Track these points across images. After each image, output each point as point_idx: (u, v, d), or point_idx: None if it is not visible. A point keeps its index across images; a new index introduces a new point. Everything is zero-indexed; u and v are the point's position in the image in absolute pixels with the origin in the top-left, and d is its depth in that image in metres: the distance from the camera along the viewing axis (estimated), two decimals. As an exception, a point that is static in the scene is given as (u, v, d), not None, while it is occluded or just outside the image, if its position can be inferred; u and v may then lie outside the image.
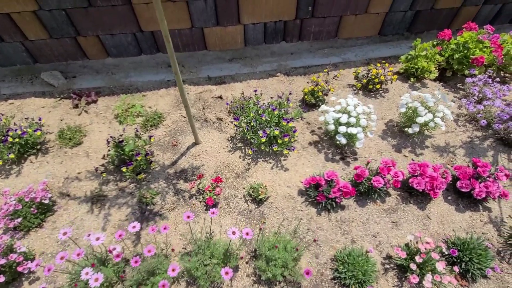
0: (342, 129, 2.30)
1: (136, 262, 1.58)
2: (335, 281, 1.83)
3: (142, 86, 3.30)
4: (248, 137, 2.42)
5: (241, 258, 1.72)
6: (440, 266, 1.67)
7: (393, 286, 1.81)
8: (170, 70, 3.47)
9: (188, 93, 3.21)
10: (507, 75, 3.20)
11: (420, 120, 2.34)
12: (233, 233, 1.61)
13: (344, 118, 2.30)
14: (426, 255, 1.72)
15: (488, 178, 2.08)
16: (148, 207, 2.21)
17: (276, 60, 3.61)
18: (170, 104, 3.08)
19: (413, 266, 1.73)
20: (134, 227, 1.66)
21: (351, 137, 2.36)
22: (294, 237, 1.98)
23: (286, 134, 2.32)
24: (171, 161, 2.54)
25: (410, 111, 2.48)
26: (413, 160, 2.46)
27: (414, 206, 2.19)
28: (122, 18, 2.94)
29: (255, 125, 2.42)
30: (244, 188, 2.29)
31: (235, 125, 2.61)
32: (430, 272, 1.68)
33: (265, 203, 2.23)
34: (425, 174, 2.10)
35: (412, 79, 3.18)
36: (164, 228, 1.67)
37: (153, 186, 2.34)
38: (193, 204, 2.22)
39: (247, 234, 1.64)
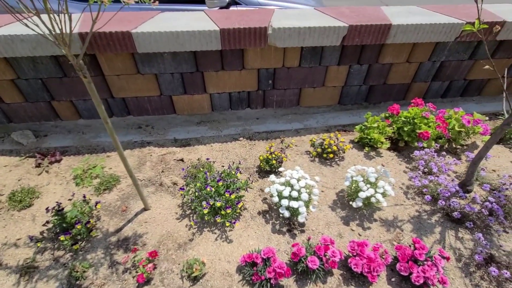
0: (285, 202, 2.32)
1: None
2: None
3: (109, 146, 3.42)
4: (192, 208, 2.42)
5: None
6: None
7: None
8: (139, 131, 3.64)
9: (151, 155, 3.31)
10: (458, 147, 3.34)
11: (362, 195, 2.38)
12: (142, 324, 1.52)
13: (286, 192, 2.34)
14: None
15: (426, 262, 2.02)
16: (77, 282, 2.10)
17: (242, 125, 3.80)
18: (132, 165, 3.15)
19: None
20: (41, 312, 1.57)
21: (294, 211, 2.37)
22: None
23: (229, 206, 2.33)
24: (116, 227, 2.50)
25: (354, 185, 2.53)
26: (359, 235, 2.42)
27: (356, 289, 2.09)
28: (95, 86, 3.19)
29: (200, 196, 2.44)
30: (181, 264, 2.22)
31: (181, 195, 2.64)
32: None
33: (200, 280, 2.13)
34: (363, 254, 2.05)
35: (367, 148, 3.31)
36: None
37: (90, 256, 2.27)
38: (125, 280, 2.12)
39: (157, 325, 1.54)
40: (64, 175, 3.05)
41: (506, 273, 1.97)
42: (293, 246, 2.11)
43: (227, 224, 2.32)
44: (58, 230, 2.34)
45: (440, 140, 3.24)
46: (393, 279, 2.14)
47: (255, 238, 2.42)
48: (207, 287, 2.09)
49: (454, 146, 3.34)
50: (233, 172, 2.61)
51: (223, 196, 2.37)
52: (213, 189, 2.40)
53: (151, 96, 3.41)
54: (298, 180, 2.42)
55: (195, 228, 2.49)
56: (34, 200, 2.74)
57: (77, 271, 2.11)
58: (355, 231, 2.47)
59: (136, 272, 2.11)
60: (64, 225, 2.30)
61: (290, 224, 2.52)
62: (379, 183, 2.41)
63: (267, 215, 2.61)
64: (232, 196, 2.34)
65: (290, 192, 2.35)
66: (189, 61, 3.13)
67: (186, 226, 2.51)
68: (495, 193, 2.49)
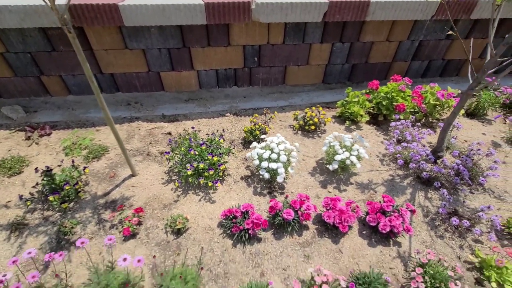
0: (264, 164, 2.45)
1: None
2: (235, 316, 1.80)
3: (98, 121, 3.51)
4: (177, 170, 2.54)
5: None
6: (330, 298, 1.67)
7: (291, 322, 1.78)
8: (128, 107, 3.73)
9: (139, 129, 3.41)
10: (433, 121, 3.51)
11: (338, 157, 2.52)
12: (124, 260, 1.64)
13: (266, 154, 2.47)
14: (318, 287, 1.73)
15: (392, 213, 2.18)
16: (66, 237, 2.21)
17: (229, 102, 3.92)
18: (121, 138, 3.24)
19: (307, 299, 1.73)
20: (29, 253, 1.68)
21: (273, 172, 2.50)
22: (200, 268, 1.98)
23: (211, 168, 2.45)
24: (104, 191, 2.61)
25: (331, 150, 2.68)
26: (335, 196, 2.57)
27: (329, 240, 2.24)
28: (82, 61, 3.27)
29: (184, 160, 2.56)
30: (166, 219, 2.34)
31: (167, 159, 2.75)
32: (321, 305, 1.68)
33: (184, 234, 2.26)
34: (336, 208, 2.20)
35: (347, 122, 3.46)
36: (60, 255, 1.69)
37: (78, 215, 2.37)
38: (112, 235, 2.23)
39: (138, 261, 1.66)
40: (53, 147, 3.13)
41: (466, 222, 2.14)
42: (270, 201, 2.24)
43: (210, 184, 2.44)
44: (47, 192, 2.44)
45: (417, 114, 3.40)
46: (364, 232, 2.30)
47: (237, 199, 2.55)
48: (190, 239, 2.22)
49: (430, 120, 3.51)
50: (217, 139, 2.73)
51: (206, 159, 2.50)
52: (196, 152, 2.51)
53: (139, 72, 3.50)
54: (278, 144, 2.55)
55: (180, 191, 2.61)
56: (24, 168, 2.82)
57: (65, 227, 2.21)
58: (332, 192, 2.62)
59: (122, 226, 2.23)
60: (53, 186, 2.39)
61: (270, 187, 2.65)
62: (354, 147, 2.56)
63: (249, 180, 2.75)
64: (215, 159, 2.46)
65: (270, 155, 2.48)
66: (175, 37, 3.22)
67: (172, 189, 2.63)
68: (463, 157, 2.66)
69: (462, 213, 2.36)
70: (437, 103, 3.28)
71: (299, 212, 2.21)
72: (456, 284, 1.74)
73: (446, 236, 2.26)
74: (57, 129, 3.37)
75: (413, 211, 2.24)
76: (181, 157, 2.59)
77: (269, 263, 2.09)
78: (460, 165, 2.55)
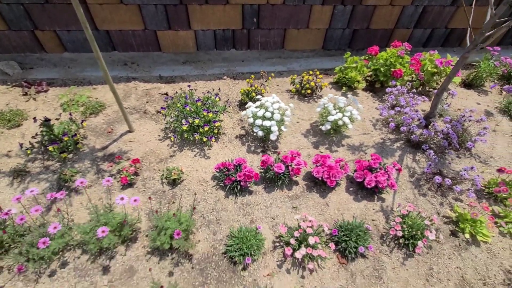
0: (258, 122, 2.50)
1: (21, 219, 1.68)
2: (225, 255, 1.94)
3: (95, 80, 3.50)
4: (173, 126, 2.59)
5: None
6: (313, 240, 1.81)
7: (276, 261, 1.93)
8: (125, 67, 3.70)
9: (136, 89, 3.41)
10: (430, 89, 3.51)
11: (331, 118, 2.57)
12: (122, 199, 1.74)
13: (260, 113, 2.52)
14: (303, 230, 1.87)
15: (379, 170, 2.27)
16: (66, 184, 2.32)
17: (226, 66, 3.88)
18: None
19: (292, 241, 1.86)
20: (31, 191, 1.78)
21: (267, 130, 2.56)
22: (193, 213, 2.11)
23: (206, 124, 2.51)
24: (102, 145, 2.68)
25: (325, 111, 2.72)
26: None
27: (317, 194, 2.35)
28: (77, 16, 3.19)
29: (180, 116, 2.60)
30: (162, 171, 2.44)
31: (163, 114, 2.80)
32: (304, 245, 1.82)
33: (179, 185, 2.37)
34: (325, 164, 2.28)
35: (344, 88, 3.46)
36: (61, 194, 1.79)
37: (77, 165, 2.47)
38: (111, 183, 2.34)
39: (134, 201, 1.77)
40: (51, 103, 3.16)
41: (448, 181, 2.24)
42: (262, 156, 2.33)
43: (204, 139, 2.51)
44: (46, 142, 2.51)
45: (414, 82, 3.40)
46: (351, 188, 2.41)
47: (230, 156, 2.64)
48: (185, 189, 2.33)
49: (427, 89, 3.51)
50: (212, 97, 2.76)
51: (202, 115, 2.54)
52: (192, 109, 2.55)
53: (135, 30, 3.42)
54: (273, 103, 2.59)
55: (175, 146, 2.69)
56: (23, 121, 2.87)
57: (65, 175, 2.31)
58: (323, 153, 2.70)
59: (120, 176, 2.33)
60: (52, 136, 2.46)
61: (264, 146, 2.73)
62: (347, 108, 2.60)
63: (243, 139, 2.82)
64: (210, 115, 2.51)
65: (264, 113, 2.52)
66: (172, -9, 3.12)
67: (168, 145, 2.71)
68: (453, 123, 2.71)
69: (446, 174, 2.46)
70: (435, 70, 3.27)
71: (290, 168, 2.30)
72: (431, 232, 1.88)
73: (428, 194, 2.37)
74: (54, 86, 3.37)
75: (399, 170, 2.33)
76: (177, 113, 2.63)
77: (259, 212, 2.22)
78: (450, 129, 2.61)
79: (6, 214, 1.72)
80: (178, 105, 2.61)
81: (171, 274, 1.85)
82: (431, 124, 2.72)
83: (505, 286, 1.83)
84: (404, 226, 1.96)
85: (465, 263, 1.95)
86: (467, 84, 3.68)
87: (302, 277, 1.86)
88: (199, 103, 2.56)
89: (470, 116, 2.78)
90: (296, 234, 1.86)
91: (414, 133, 2.63)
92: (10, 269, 1.81)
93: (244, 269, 1.88)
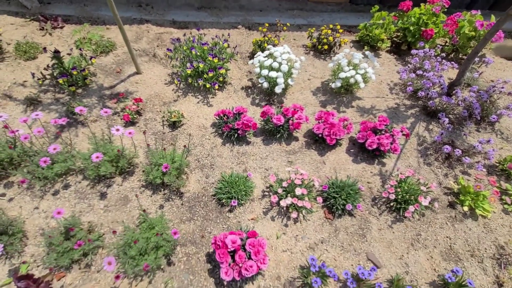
0: (264, 72, 2.39)
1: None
2: (214, 197, 2.01)
3: (109, 20, 3.45)
4: (177, 70, 2.55)
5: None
6: (300, 191, 1.80)
7: (263, 208, 1.96)
8: (139, 9, 3.60)
9: (148, 32, 3.34)
10: (463, 57, 3.14)
11: (342, 75, 2.40)
12: (117, 130, 1.79)
13: (268, 62, 2.39)
14: (291, 181, 1.86)
15: (384, 132, 2.15)
16: (74, 116, 2.42)
17: (243, 15, 3.66)
18: (129, 39, 3.21)
19: (280, 190, 1.87)
20: (37, 115, 1.87)
21: (273, 82, 2.45)
22: (187, 155, 2.16)
23: (211, 70, 2.44)
24: (110, 84, 2.72)
25: (337, 67, 2.53)
26: (332, 116, 2.54)
27: (315, 152, 2.30)
28: None
29: (185, 60, 2.54)
30: (163, 113, 2.46)
31: (169, 57, 2.74)
32: (290, 195, 1.82)
33: (179, 128, 2.39)
34: (327, 121, 2.19)
35: (366, 47, 3.18)
36: (62, 120, 1.87)
37: (85, 100, 2.54)
38: (114, 120, 2.41)
39: (129, 133, 1.82)
40: (66, 39, 3.19)
41: (458, 151, 2.09)
42: (264, 107, 2.26)
43: (208, 86, 2.47)
44: (57, 75, 2.58)
45: (446, 47, 3.05)
46: (352, 150, 2.33)
47: (233, 106, 2.60)
48: (184, 133, 2.36)
49: (460, 56, 3.15)
50: (221, 43, 2.65)
51: (207, 60, 2.46)
52: (198, 52, 2.47)
53: (150, -33, 3.25)
54: (282, 54, 2.44)
55: (180, 92, 2.67)
56: (38, 54, 2.95)
57: (73, 107, 2.40)
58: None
59: (123, 113, 2.39)
60: (62, 69, 2.52)
61: (269, 100, 2.65)
62: (362, 65, 2.40)
63: (249, 90, 2.74)
64: (215, 60, 2.43)
65: (271, 63, 2.40)
66: None
67: (173, 90, 2.70)
68: (480, 92, 2.44)
69: (458, 146, 2.29)
70: (473, 34, 2.88)
71: (290, 121, 2.23)
72: (425, 198, 1.80)
73: (434, 164, 2.24)
74: (69, 23, 3.37)
75: (406, 135, 2.19)
76: (183, 56, 2.56)
77: (254, 162, 2.22)
78: (474, 98, 2.36)
79: (13, 132, 1.84)
80: (184, 48, 2.54)
81: (161, 207, 1.95)
82: (454, 91, 2.47)
83: (493, 260, 1.77)
84: (399, 190, 1.88)
85: (456, 234, 1.88)
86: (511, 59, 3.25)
87: (286, 225, 1.89)
88: (205, 47, 2.46)
89: (502, 88, 2.48)
90: (285, 184, 1.86)
91: (432, 99, 2.41)
92: (19, 184, 1.99)
93: (230, 211, 1.94)
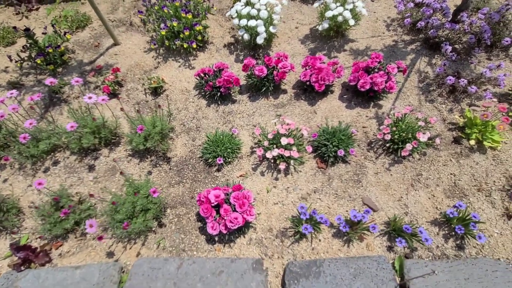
0: (243, 22, 2.20)
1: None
2: (202, 158, 1.95)
3: (83, -6, 3.28)
4: (153, 34, 2.40)
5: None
6: (286, 141, 1.69)
7: (252, 164, 1.89)
8: (112, -21, 3.38)
9: (124, 0, 3.16)
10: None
11: (329, 14, 2.16)
12: (89, 97, 1.73)
13: (245, 10, 2.19)
14: (276, 132, 1.75)
15: (378, 70, 1.95)
16: (57, 95, 2.38)
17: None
18: (105, 11, 3.07)
19: (266, 143, 1.78)
20: (11, 93, 1.83)
21: (255, 33, 2.26)
22: (170, 120, 2.09)
23: (187, 28, 2.27)
24: (90, 59, 2.63)
25: (324, 8, 2.28)
26: (323, 62, 2.34)
27: (305, 102, 2.15)
28: None
29: (159, 21, 2.38)
30: (143, 80, 2.37)
31: (142, 20, 2.59)
32: (276, 147, 1.72)
33: (161, 95, 2.30)
34: (314, 66, 2.01)
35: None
36: (37, 96, 1.83)
37: (66, 78, 2.48)
38: (96, 94, 2.35)
39: (102, 100, 1.75)
40: (42, 20, 3.08)
41: (463, 81, 1.87)
42: (245, 59, 2.10)
43: (185, 46, 2.32)
44: (35, 56, 2.52)
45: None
46: (345, 96, 2.16)
47: (217, 65, 2.46)
48: (167, 99, 2.28)
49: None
50: (195, -3, 2.44)
51: (182, 19, 2.29)
52: (170, 10, 2.30)
53: None
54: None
55: (160, 58, 2.55)
56: (17, 39, 2.88)
57: (54, 86, 2.35)
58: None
59: (104, 85, 2.32)
60: (37, 48, 2.44)
61: (254, 55, 2.47)
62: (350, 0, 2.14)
63: (232, 47, 2.56)
64: (189, 16, 2.25)
65: (249, 11, 2.19)
66: None
67: (153, 57, 2.57)
68: (491, 13, 2.14)
69: (464, 76, 2.06)
70: None
71: (275, 72, 2.07)
72: (423, 133, 1.64)
73: (437, 100, 2.04)
74: (44, 4, 3.24)
75: (403, 71, 1.98)
76: (156, 17, 2.40)
77: (240, 120, 2.12)
78: (483, 21, 2.07)
79: (-6, 114, 1.82)
80: (156, 8, 2.37)
81: (149, 173, 1.93)
82: (460, 16, 2.17)
83: (502, 192, 1.62)
84: (395, 129, 1.73)
85: (461, 170, 1.74)
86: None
87: (276, 179, 1.82)
88: (177, 3, 2.28)
89: (518, 5, 2.16)
90: (270, 136, 1.75)
91: (434, 28, 2.14)
92: (12, 165, 2.02)
93: (218, 170, 1.88)
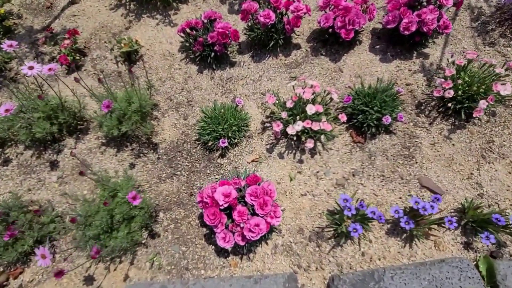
0: (236, -47, 1.62)
1: None
2: (199, 142, 1.48)
3: None
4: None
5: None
6: (313, 108, 1.23)
7: (266, 144, 1.44)
8: None
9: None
10: None
11: None
12: (30, 68, 1.21)
13: None
14: (297, 98, 1.27)
15: (426, 3, 1.44)
16: (2, 73, 1.83)
17: None
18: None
19: (284, 115, 1.31)
20: None
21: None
22: (152, 93, 1.59)
23: (161, -33, 1.69)
24: (42, 25, 2.03)
25: None
26: None
27: (326, 58, 1.65)
28: None
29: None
30: (112, 45, 1.82)
31: None
32: (300, 119, 1.26)
33: (138, 63, 1.77)
34: (339, 5, 1.48)
35: None
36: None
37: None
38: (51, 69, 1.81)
39: (49, 69, 1.24)
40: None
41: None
42: (243, 3, 1.56)
43: (162, -6, 1.74)
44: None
45: None
46: (377, 46, 1.65)
47: (206, 20, 1.90)
48: (145, 67, 1.75)
49: None
50: None
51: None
52: None
53: None
54: None
55: (132, 15, 1.97)
56: None
57: (-5, 61, 1.80)
58: None
59: (60, 55, 1.77)
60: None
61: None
62: None
63: (225, -6, 2.00)
64: (162, -50, 1.65)
65: None
66: None
67: (122, 15, 1.99)
68: None
69: (536, 7, 1.57)
70: None
71: (285, 19, 1.55)
72: (503, 84, 1.19)
73: (500, 43, 1.56)
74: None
75: (459, 3, 1.47)
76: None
77: (244, 88, 1.63)
78: None
79: None
80: None
81: (132, 166, 1.46)
82: None
83: None
84: (459, 82, 1.27)
85: (547, 131, 1.32)
86: None
87: (300, 161, 1.38)
88: None
89: None
90: (289, 104, 1.28)
91: None
92: None
93: (222, 155, 1.43)
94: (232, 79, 1.66)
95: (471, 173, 1.27)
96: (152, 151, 1.50)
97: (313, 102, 1.30)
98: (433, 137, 1.36)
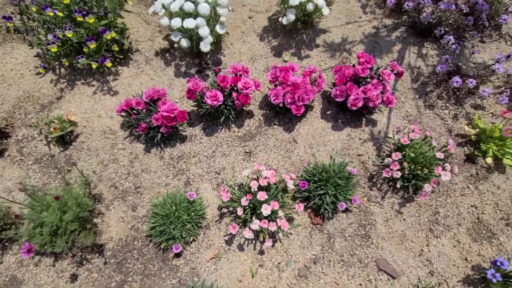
0: (176, 22, 1.51)
1: None
2: (150, 238, 1.36)
3: None
4: (35, 43, 1.58)
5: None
6: (268, 209, 1.19)
7: (224, 235, 1.36)
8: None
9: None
10: None
11: (294, 2, 1.56)
12: None
13: (176, 4, 1.49)
14: (252, 195, 1.23)
15: (370, 80, 1.48)
16: None
17: None
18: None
19: (239, 212, 1.25)
20: None
21: (196, 37, 1.59)
22: (89, 186, 1.42)
23: (91, 37, 1.50)
24: (-51, 96, 1.72)
25: (286, -9, 1.68)
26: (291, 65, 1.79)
27: (280, 128, 1.62)
28: None
29: (44, 27, 1.56)
30: (39, 125, 1.59)
31: (14, 28, 1.73)
32: (255, 217, 1.21)
33: (74, 144, 1.57)
34: (287, 81, 1.46)
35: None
36: None
37: None
38: (-35, 155, 1.54)
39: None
40: None
41: (472, 82, 1.49)
42: (188, 81, 1.46)
43: (94, 65, 1.56)
44: None
45: None
46: (328, 112, 1.67)
47: (151, 85, 1.75)
48: (83, 149, 1.55)
49: None
50: (95, -12, 1.63)
51: (84, 23, 1.50)
52: (57, 12, 1.48)
53: None
54: (195, -15, 1.52)
55: (63, 82, 1.75)
56: None
57: None
58: (288, 61, 1.81)
59: (-27, 144, 1.51)
60: None
61: (200, 63, 1.81)
62: (321, -22, 1.56)
63: (168, 55, 1.85)
64: (90, 20, 1.47)
65: (182, 4, 1.49)
66: None
67: (51, 81, 1.75)
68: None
69: (466, 71, 1.69)
70: None
71: (234, 94, 1.48)
72: (444, 169, 1.26)
73: (438, 105, 1.66)
74: None
75: (399, 74, 1.53)
76: (37, 23, 1.57)
77: (198, 167, 1.53)
78: (480, -3, 1.67)
79: None
80: (34, 9, 1.52)
81: (74, 278, 1.30)
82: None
83: (536, 225, 1.37)
84: (404, 163, 1.32)
85: (482, 199, 1.43)
86: None
87: (261, 252, 1.33)
88: (66, 0, 1.46)
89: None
90: (244, 202, 1.22)
91: (425, 10, 1.70)
92: None
93: (177, 255, 1.32)
94: (183, 157, 1.55)
95: (422, 250, 1.33)
96: (97, 254, 1.34)
97: (269, 198, 1.25)
98: (386, 213, 1.41)
